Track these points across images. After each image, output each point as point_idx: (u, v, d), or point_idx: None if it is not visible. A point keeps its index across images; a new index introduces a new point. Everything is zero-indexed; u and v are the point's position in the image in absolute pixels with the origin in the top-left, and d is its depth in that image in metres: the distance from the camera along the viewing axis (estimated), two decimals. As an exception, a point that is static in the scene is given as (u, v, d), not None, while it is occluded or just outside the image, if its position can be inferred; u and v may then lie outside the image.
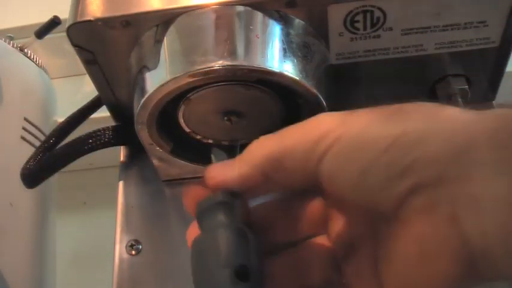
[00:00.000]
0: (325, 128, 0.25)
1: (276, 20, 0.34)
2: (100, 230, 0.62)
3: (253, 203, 0.30)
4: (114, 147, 0.46)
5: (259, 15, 0.34)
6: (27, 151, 0.50)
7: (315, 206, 0.29)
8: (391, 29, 0.36)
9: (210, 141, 0.39)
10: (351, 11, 0.35)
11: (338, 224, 0.29)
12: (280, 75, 0.32)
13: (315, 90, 0.33)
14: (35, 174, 0.43)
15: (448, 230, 0.22)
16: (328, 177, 0.25)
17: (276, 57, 0.33)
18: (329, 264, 0.29)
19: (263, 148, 0.27)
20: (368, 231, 0.27)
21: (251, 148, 0.27)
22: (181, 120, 0.37)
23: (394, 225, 0.24)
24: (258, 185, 0.27)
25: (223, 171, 0.28)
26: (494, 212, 0.21)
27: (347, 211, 0.28)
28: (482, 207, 0.21)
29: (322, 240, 0.29)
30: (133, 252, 0.42)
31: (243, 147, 0.29)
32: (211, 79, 0.33)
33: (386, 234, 0.25)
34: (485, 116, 0.23)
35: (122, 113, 0.43)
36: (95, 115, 0.47)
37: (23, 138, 0.52)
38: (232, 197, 0.28)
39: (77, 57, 0.37)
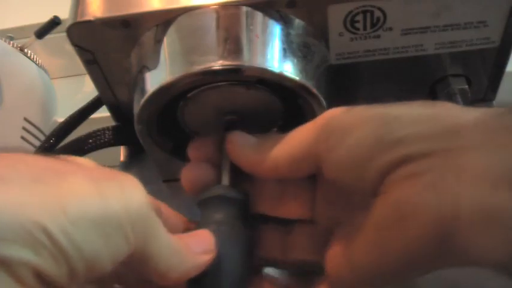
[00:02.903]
0: (332, 117, 0.27)
1: (276, 20, 0.34)
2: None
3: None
4: (114, 147, 0.46)
5: (259, 15, 0.34)
6: (27, 151, 0.50)
7: (304, 191, 0.31)
8: (391, 29, 0.36)
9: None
10: (351, 11, 0.35)
11: (323, 209, 0.31)
12: (280, 75, 0.32)
13: (315, 90, 0.33)
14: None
15: (425, 196, 0.22)
16: (326, 156, 0.27)
17: (276, 57, 0.33)
18: (310, 247, 0.31)
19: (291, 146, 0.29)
20: (347, 216, 0.28)
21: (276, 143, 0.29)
22: (181, 120, 0.37)
23: (372, 202, 0.25)
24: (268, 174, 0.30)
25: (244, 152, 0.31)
26: (471, 186, 0.22)
27: (333, 197, 0.30)
28: (462, 179, 0.22)
29: (307, 224, 0.31)
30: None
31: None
32: (211, 79, 0.33)
33: (363, 212, 0.25)
34: (477, 109, 0.24)
35: (122, 113, 0.43)
36: (95, 115, 0.47)
37: (23, 138, 0.52)
38: (236, 191, 0.30)
39: (77, 57, 0.37)
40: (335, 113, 0.28)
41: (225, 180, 0.31)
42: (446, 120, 0.24)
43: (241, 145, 0.31)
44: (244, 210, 0.31)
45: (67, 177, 0.21)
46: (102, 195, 0.21)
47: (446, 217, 0.22)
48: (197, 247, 0.27)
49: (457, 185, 0.22)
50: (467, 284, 0.30)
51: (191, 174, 0.32)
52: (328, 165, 0.27)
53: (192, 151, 0.33)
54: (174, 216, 0.31)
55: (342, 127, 0.26)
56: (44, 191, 0.20)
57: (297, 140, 0.29)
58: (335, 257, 0.28)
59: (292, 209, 0.31)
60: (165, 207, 0.30)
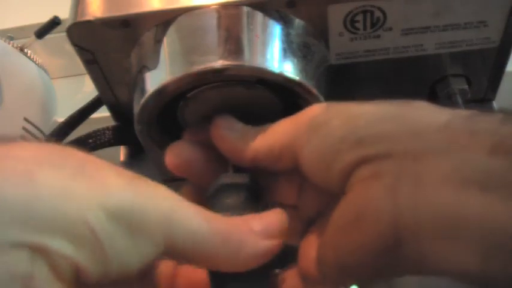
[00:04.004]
0: (311, 114, 0.27)
1: (276, 20, 0.34)
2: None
3: None
4: (114, 147, 0.46)
5: (259, 15, 0.34)
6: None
7: (295, 177, 0.30)
8: (391, 29, 0.36)
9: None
10: (351, 11, 0.35)
11: (309, 197, 0.30)
12: (280, 75, 0.32)
13: (315, 90, 0.33)
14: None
15: (383, 200, 0.22)
16: (299, 152, 0.27)
17: (276, 57, 0.33)
18: (295, 233, 0.30)
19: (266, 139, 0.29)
20: (330, 208, 0.27)
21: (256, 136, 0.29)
22: (181, 120, 0.37)
23: (339, 199, 0.24)
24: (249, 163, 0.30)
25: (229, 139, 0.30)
26: (431, 190, 0.21)
27: (314, 190, 0.29)
28: (421, 184, 0.21)
29: (288, 209, 0.30)
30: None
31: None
32: (211, 79, 0.33)
33: (331, 209, 0.25)
34: (447, 110, 0.24)
35: (122, 113, 0.43)
36: (95, 115, 0.47)
37: (23, 138, 0.52)
38: (249, 178, 0.30)
39: (77, 57, 0.37)
40: (314, 110, 0.27)
41: (230, 168, 0.31)
42: (412, 121, 0.23)
43: (226, 130, 0.31)
44: (253, 194, 0.30)
45: (104, 172, 0.21)
46: (138, 195, 0.21)
47: (401, 222, 0.21)
48: (260, 230, 0.25)
49: (415, 190, 0.21)
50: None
51: (175, 153, 0.32)
52: (301, 162, 0.27)
53: (187, 134, 0.33)
54: None
55: (315, 124, 0.26)
56: (86, 185, 0.20)
57: (277, 133, 0.29)
58: (307, 247, 0.28)
59: (280, 193, 0.31)
60: None
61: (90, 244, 0.19)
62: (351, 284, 0.26)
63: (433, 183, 0.21)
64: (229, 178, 0.30)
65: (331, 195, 0.28)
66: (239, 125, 0.31)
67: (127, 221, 0.20)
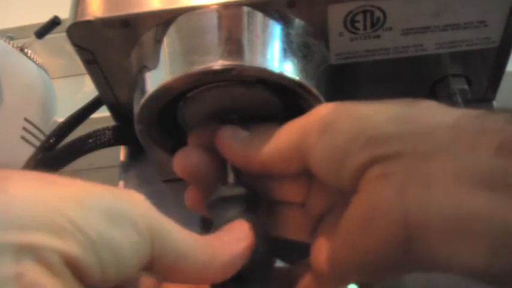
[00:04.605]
0: (319, 114, 0.27)
1: (276, 20, 0.34)
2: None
3: None
4: (114, 147, 0.46)
5: (259, 15, 0.34)
6: (27, 151, 0.50)
7: (302, 176, 0.30)
8: (391, 29, 0.36)
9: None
10: (351, 11, 0.35)
11: (317, 195, 0.30)
12: (280, 75, 0.32)
13: (315, 90, 0.33)
14: (35, 174, 0.43)
15: (393, 199, 0.22)
16: (308, 152, 0.27)
17: (276, 57, 0.33)
18: (304, 229, 0.31)
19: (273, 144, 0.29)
20: (339, 205, 0.28)
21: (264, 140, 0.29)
22: (181, 120, 0.37)
23: (350, 198, 0.25)
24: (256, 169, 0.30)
25: (235, 148, 0.30)
26: (439, 190, 0.21)
27: (327, 186, 0.29)
28: (431, 183, 0.22)
29: (298, 208, 0.31)
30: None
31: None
32: (211, 79, 0.33)
33: (342, 208, 0.25)
34: (456, 110, 0.24)
35: (122, 113, 0.43)
36: (95, 115, 0.47)
37: (23, 138, 0.52)
38: (242, 188, 0.29)
39: (77, 57, 0.37)
40: (322, 110, 0.27)
41: (231, 177, 0.31)
42: (422, 121, 0.24)
43: (232, 140, 0.31)
44: (253, 204, 0.31)
45: (78, 182, 0.21)
46: (114, 194, 0.22)
47: (411, 221, 0.22)
48: (230, 237, 0.26)
49: (426, 189, 0.22)
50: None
51: (184, 158, 0.32)
52: (310, 162, 0.27)
53: (192, 137, 0.33)
54: None
55: (324, 124, 0.26)
56: (59, 188, 0.20)
57: (286, 135, 0.29)
58: (319, 249, 0.28)
59: (287, 192, 0.31)
60: None
61: (74, 234, 0.19)
62: (364, 280, 0.27)
63: (441, 183, 0.21)
64: (226, 191, 0.30)
65: (340, 193, 0.28)
66: (244, 133, 0.31)
67: (110, 213, 0.20)
